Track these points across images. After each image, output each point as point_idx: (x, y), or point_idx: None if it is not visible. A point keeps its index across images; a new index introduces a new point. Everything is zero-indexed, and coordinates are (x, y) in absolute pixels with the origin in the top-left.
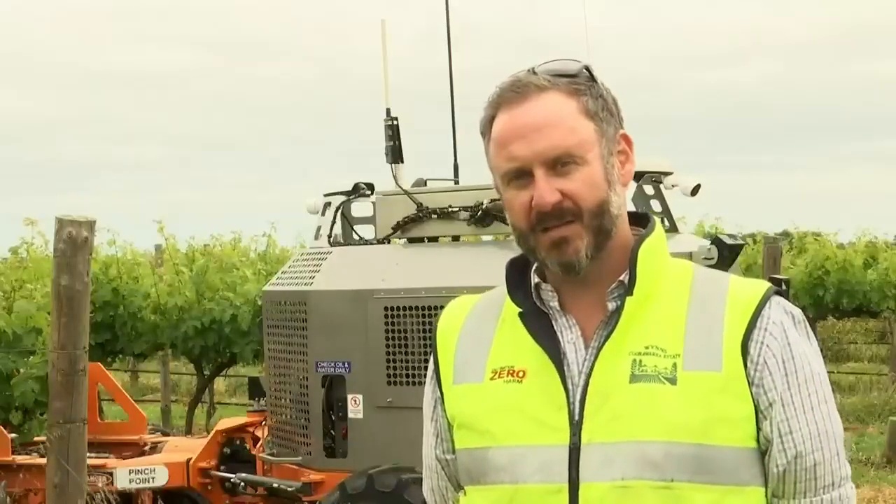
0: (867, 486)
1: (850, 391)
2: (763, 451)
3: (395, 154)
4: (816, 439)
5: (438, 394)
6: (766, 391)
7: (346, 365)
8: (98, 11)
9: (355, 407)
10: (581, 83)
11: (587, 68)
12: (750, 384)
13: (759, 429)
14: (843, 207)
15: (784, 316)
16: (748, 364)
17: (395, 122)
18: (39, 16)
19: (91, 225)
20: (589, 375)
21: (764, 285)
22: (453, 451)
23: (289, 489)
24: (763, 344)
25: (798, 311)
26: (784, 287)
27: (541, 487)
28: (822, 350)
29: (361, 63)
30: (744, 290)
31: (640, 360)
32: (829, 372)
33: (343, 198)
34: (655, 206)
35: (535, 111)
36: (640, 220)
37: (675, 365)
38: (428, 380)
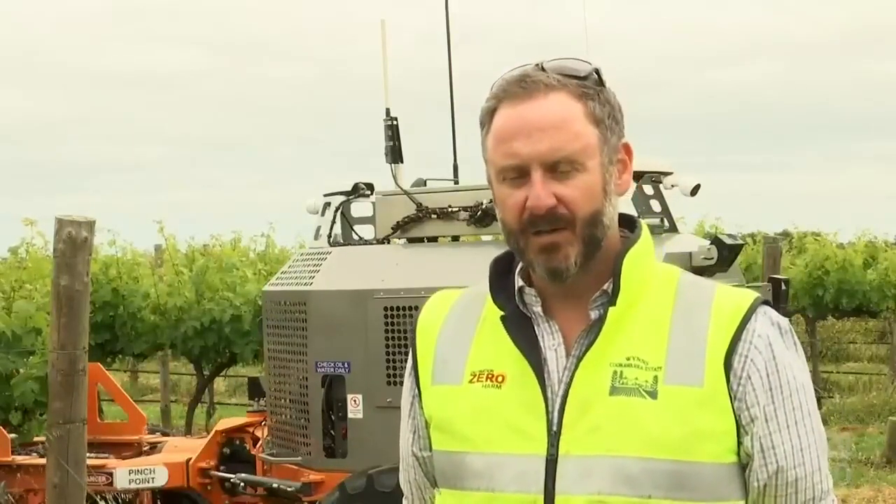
0: (867, 486)
1: (849, 391)
2: (743, 466)
3: (395, 154)
4: (798, 454)
5: (416, 391)
6: (748, 406)
7: (346, 365)
8: (102, 12)
9: (355, 407)
10: (590, 87)
11: (597, 71)
12: (732, 399)
13: (739, 443)
14: (843, 207)
15: (770, 328)
16: (731, 378)
17: (394, 123)
18: (44, 16)
19: (91, 225)
20: (569, 385)
21: (750, 296)
22: (430, 449)
23: (289, 489)
24: (747, 358)
25: (785, 322)
26: (784, 287)
27: (516, 497)
28: (822, 350)
29: (363, 64)
30: (729, 301)
31: (621, 372)
32: (828, 372)
33: (343, 198)
34: (655, 206)
35: (540, 110)
36: (627, 223)
37: (656, 378)
38: (406, 375)
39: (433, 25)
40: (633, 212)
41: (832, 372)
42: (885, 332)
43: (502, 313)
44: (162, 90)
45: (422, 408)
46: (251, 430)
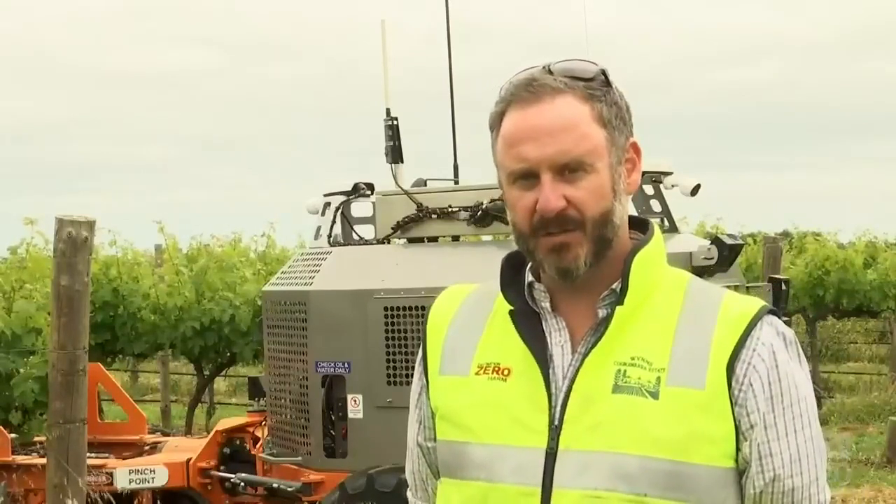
0: (867, 486)
1: (850, 391)
2: (741, 472)
3: (395, 154)
4: (796, 463)
5: (424, 381)
6: (748, 412)
7: (346, 365)
8: (105, 12)
9: (355, 407)
10: (597, 88)
11: (604, 72)
12: (732, 404)
13: (738, 449)
14: (843, 207)
15: (775, 337)
16: (733, 384)
17: (394, 122)
18: (47, 15)
19: (91, 225)
20: (573, 381)
21: (757, 304)
22: (435, 440)
23: (289, 489)
24: (750, 364)
25: (790, 333)
26: (784, 287)
27: (514, 489)
28: (822, 350)
29: (364, 63)
30: (736, 307)
31: (625, 371)
32: (828, 372)
33: (343, 198)
34: (655, 206)
35: (548, 114)
36: (640, 224)
37: (658, 379)
38: (416, 365)
39: (434, 25)
40: (632, 212)
41: (832, 372)
42: (885, 332)
43: (511, 307)
44: (164, 90)
45: (429, 398)
46: (251, 430)
